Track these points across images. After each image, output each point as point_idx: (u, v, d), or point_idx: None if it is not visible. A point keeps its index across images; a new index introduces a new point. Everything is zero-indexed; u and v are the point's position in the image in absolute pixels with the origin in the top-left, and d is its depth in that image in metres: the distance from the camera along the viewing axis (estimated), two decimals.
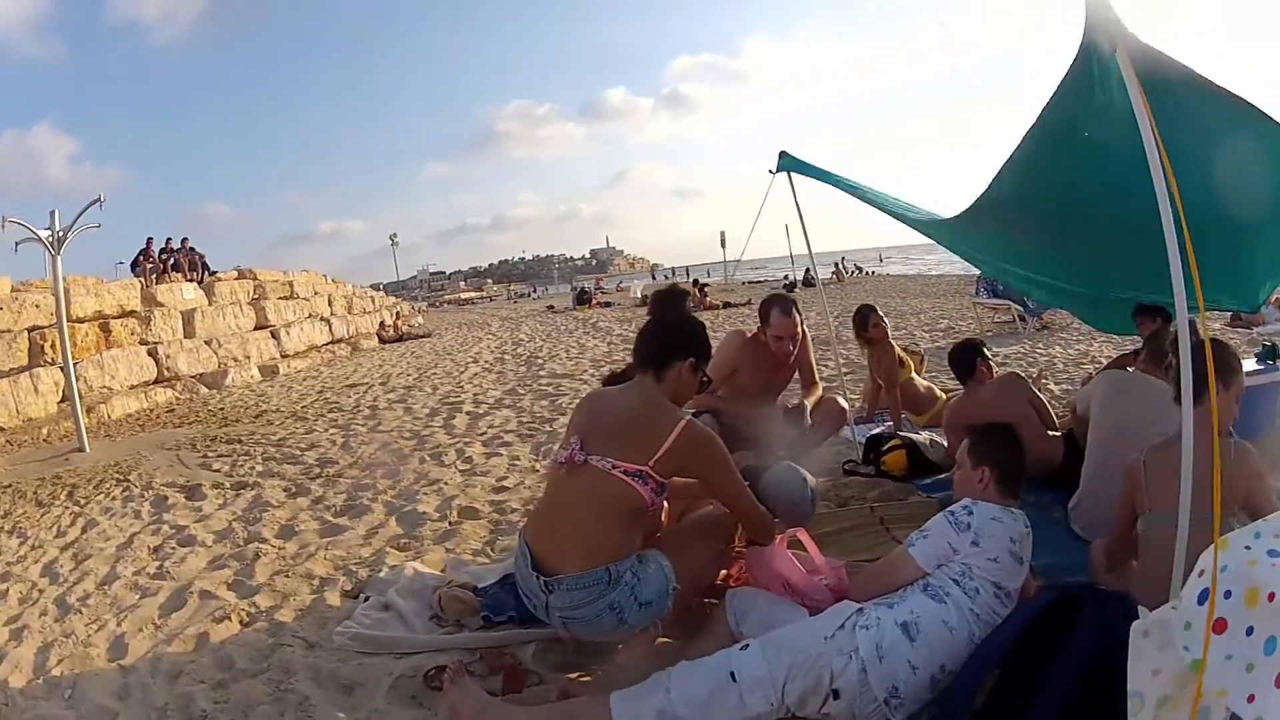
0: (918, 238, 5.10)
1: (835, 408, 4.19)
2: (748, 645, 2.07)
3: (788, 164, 4.54)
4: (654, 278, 52.52)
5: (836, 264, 32.12)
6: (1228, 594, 1.37)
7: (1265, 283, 4.14)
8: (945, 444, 4.29)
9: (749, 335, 4.00)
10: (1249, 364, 4.78)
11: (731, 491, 2.44)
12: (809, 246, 5.17)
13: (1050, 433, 3.88)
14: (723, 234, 25.15)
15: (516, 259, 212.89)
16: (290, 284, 16.43)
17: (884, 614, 2.07)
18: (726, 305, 19.74)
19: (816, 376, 4.17)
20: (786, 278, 27.23)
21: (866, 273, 35.18)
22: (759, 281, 33.54)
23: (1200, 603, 1.39)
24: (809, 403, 3.96)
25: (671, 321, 2.72)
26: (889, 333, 5.34)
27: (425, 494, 4.37)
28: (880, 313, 5.37)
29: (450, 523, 3.87)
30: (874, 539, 3.38)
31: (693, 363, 2.38)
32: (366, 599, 2.96)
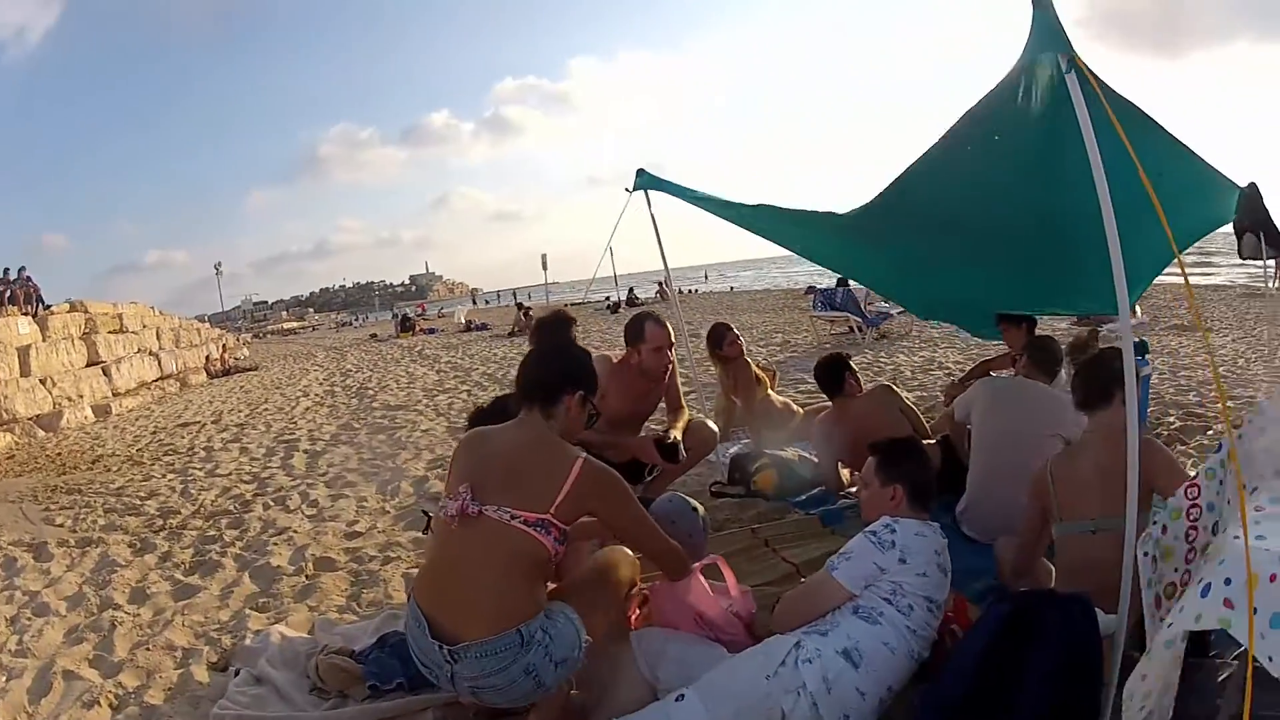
0: (776, 249, 5.35)
1: (706, 432, 4.06)
2: (683, 695, 2.03)
3: (645, 181, 4.57)
4: (474, 302, 52.73)
5: (660, 283, 32.95)
6: (1228, 581, 1.50)
7: (1136, 290, 4.55)
8: (814, 459, 4.39)
9: (614, 360, 3.87)
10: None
11: (639, 530, 2.34)
12: (665, 264, 5.24)
13: (925, 441, 3.88)
14: (544, 256, 25.42)
15: (338, 286, 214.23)
16: (120, 317, 15.45)
17: (822, 644, 2.06)
18: None
19: (683, 400, 4.08)
20: (608, 299, 28.07)
21: (691, 292, 35.75)
22: (580, 303, 34.63)
23: (1204, 595, 1.53)
24: (678, 427, 3.85)
25: (557, 352, 2.56)
26: (744, 349, 5.39)
27: (275, 544, 4.28)
28: (735, 330, 5.42)
29: (307, 576, 3.82)
30: (763, 562, 3.44)
31: (581, 396, 2.27)
32: (237, 673, 2.78)
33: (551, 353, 2.59)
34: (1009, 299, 4.54)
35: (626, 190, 4.67)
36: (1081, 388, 2.69)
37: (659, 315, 3.90)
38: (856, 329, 12.00)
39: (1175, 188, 3.33)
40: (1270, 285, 15.26)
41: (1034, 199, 3.27)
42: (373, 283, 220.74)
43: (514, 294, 45.94)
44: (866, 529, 2.27)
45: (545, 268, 25.44)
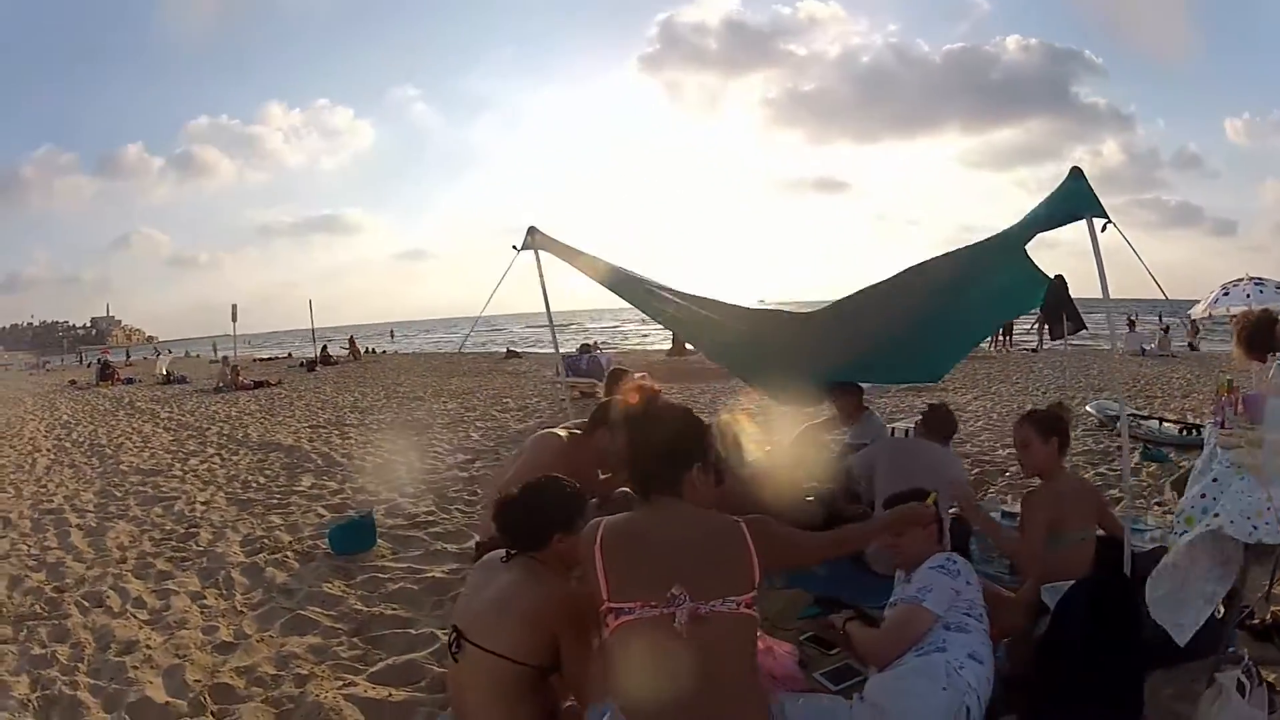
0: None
1: None
2: None
3: (539, 241, 4.42)
4: (158, 353, 46.97)
5: (351, 339, 31.53)
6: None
7: (949, 365, 6.09)
8: None
9: (564, 439, 3.61)
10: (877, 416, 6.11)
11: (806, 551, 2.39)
12: (550, 318, 5.03)
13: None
14: (234, 307, 23.14)
15: (25, 324, 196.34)
16: None
17: (955, 654, 2.35)
18: (259, 385, 18.39)
19: None
20: (302, 361, 26.85)
21: (378, 351, 34.74)
22: (272, 358, 32.53)
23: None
24: None
25: (665, 425, 2.20)
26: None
27: (136, 669, 3.18)
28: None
29: (214, 715, 2.86)
30: None
31: (699, 467, 2.07)
32: None
33: (662, 429, 2.21)
34: (845, 372, 5.21)
35: (514, 248, 4.46)
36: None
37: None
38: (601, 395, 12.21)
39: (1009, 284, 4.32)
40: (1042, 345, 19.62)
41: (908, 304, 4.18)
42: (57, 322, 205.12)
43: (214, 346, 41.87)
44: (932, 565, 2.58)
45: (235, 319, 22.75)
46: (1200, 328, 19.01)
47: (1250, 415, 3.20)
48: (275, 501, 6.17)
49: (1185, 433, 7.62)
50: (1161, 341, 19.48)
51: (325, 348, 28.78)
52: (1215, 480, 2.71)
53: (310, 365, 24.48)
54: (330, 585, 4.13)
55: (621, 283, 4.75)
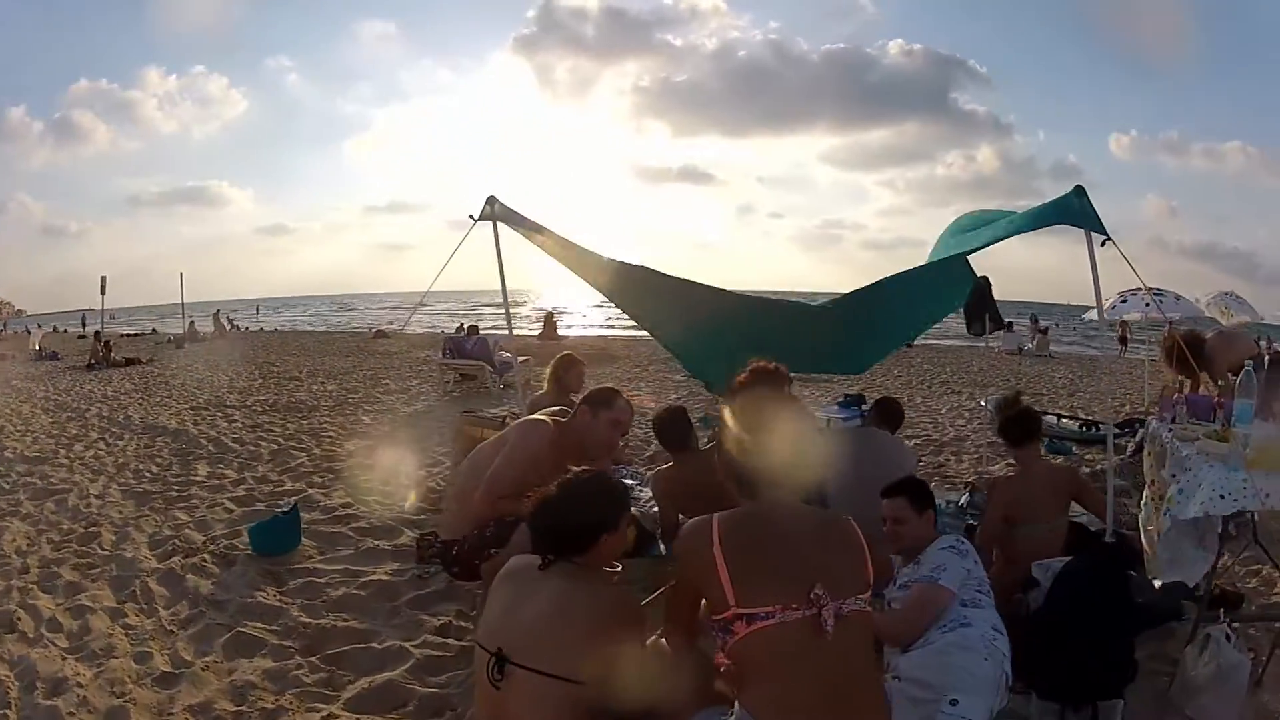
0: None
1: None
2: (956, 700, 2.23)
3: (498, 212, 4.08)
4: (27, 329, 40.75)
5: (217, 315, 29.07)
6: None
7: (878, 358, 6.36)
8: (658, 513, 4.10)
9: (553, 427, 3.28)
10: (833, 410, 6.16)
11: None
12: (505, 295, 4.56)
13: None
14: (103, 279, 20.81)
15: None
16: None
17: (983, 627, 2.43)
18: (130, 362, 16.90)
19: None
20: (169, 337, 25.17)
21: (241, 328, 32.43)
22: (139, 334, 30.52)
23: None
24: None
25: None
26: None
27: (70, 714, 2.57)
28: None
29: None
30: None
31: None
32: None
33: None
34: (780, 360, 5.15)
35: (471, 218, 4.11)
36: (1011, 431, 3.64)
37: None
38: (489, 376, 11.64)
39: (941, 283, 4.52)
40: (993, 347, 19.64)
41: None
42: None
43: (83, 319, 37.16)
44: (943, 547, 2.66)
45: (104, 291, 20.36)
46: (1127, 328, 20.55)
47: (1195, 415, 3.62)
48: (175, 494, 5.42)
49: (1085, 429, 8.08)
50: (1040, 342, 20.46)
51: (193, 323, 26.46)
52: (1187, 469, 3.06)
53: (179, 342, 22.69)
54: (263, 593, 3.59)
55: (584, 264, 4.45)
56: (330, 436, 7.56)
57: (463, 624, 3.39)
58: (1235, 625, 2.96)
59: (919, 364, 16.47)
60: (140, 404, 10.30)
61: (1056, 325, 20.64)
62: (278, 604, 3.47)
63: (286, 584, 3.72)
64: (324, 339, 24.24)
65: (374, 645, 3.14)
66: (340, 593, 3.64)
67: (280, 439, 7.41)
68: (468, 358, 11.87)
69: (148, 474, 6.07)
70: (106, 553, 4.13)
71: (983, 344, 19.01)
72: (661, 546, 3.91)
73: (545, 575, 2.00)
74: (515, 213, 4.23)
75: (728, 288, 4.77)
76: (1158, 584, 3.03)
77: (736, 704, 1.74)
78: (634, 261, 4.42)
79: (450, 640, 3.24)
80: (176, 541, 4.24)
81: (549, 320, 20.76)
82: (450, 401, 10.02)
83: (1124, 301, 10.55)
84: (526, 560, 2.11)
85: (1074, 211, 3.37)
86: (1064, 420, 8.45)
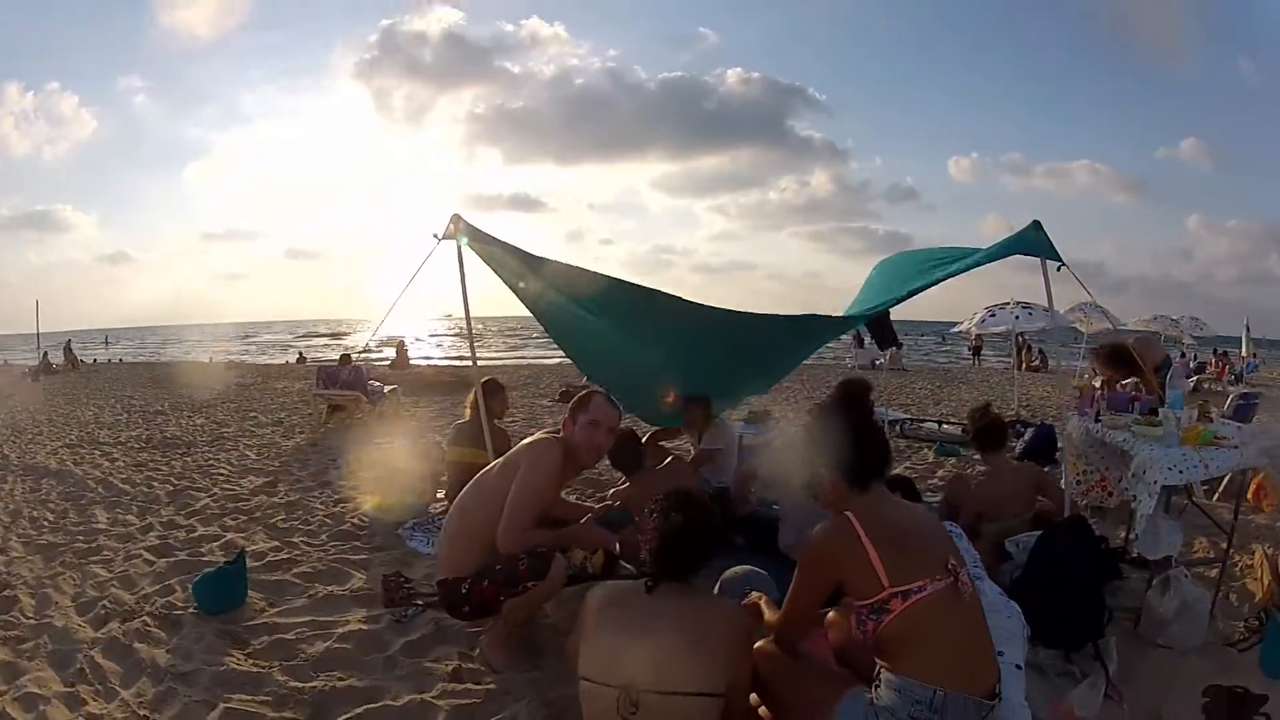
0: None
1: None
2: (1001, 652, 2.19)
3: (463, 230, 3.98)
4: None
5: (68, 346, 25.84)
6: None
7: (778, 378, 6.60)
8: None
9: (559, 443, 3.12)
10: (741, 427, 6.16)
11: None
12: (468, 317, 4.47)
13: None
14: None
15: None
16: None
17: (995, 593, 2.65)
18: None
19: None
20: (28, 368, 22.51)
21: (92, 360, 29.45)
22: None
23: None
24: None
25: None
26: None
27: None
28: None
29: None
30: None
31: None
32: None
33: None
34: (698, 386, 5.26)
35: (435, 236, 3.98)
36: (984, 438, 4.09)
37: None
38: (364, 407, 10.79)
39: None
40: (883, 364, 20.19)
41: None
42: None
43: None
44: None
45: None
46: (981, 341, 22.00)
47: (1114, 408, 4.22)
48: (82, 545, 4.60)
49: (967, 433, 8.66)
50: (893, 356, 21.04)
51: (47, 354, 23.59)
52: (1131, 452, 3.61)
53: (34, 375, 20.56)
54: (232, 658, 3.03)
55: (559, 283, 4.32)
56: (223, 475, 6.73)
57: (472, 665, 3.01)
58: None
59: (790, 381, 17.14)
60: (13, 442, 8.97)
61: (906, 337, 22.31)
62: (254, 669, 2.92)
63: (251, 644, 3.16)
64: (176, 371, 21.79)
65: (390, 703, 2.71)
66: (319, 648, 3.13)
67: (172, 479, 6.51)
68: (343, 387, 10.97)
69: (45, 522, 5.17)
70: (32, 621, 3.39)
71: (849, 361, 20.09)
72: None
73: (656, 598, 2.01)
74: (480, 231, 4.05)
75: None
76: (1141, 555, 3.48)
77: (885, 676, 1.93)
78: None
79: (472, 685, 2.86)
80: (107, 604, 3.53)
81: (400, 348, 19.87)
82: (329, 433, 9.22)
83: (992, 315, 11.54)
84: (621, 588, 2.14)
85: (1032, 243, 3.81)
86: (945, 426, 8.96)
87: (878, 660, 1.98)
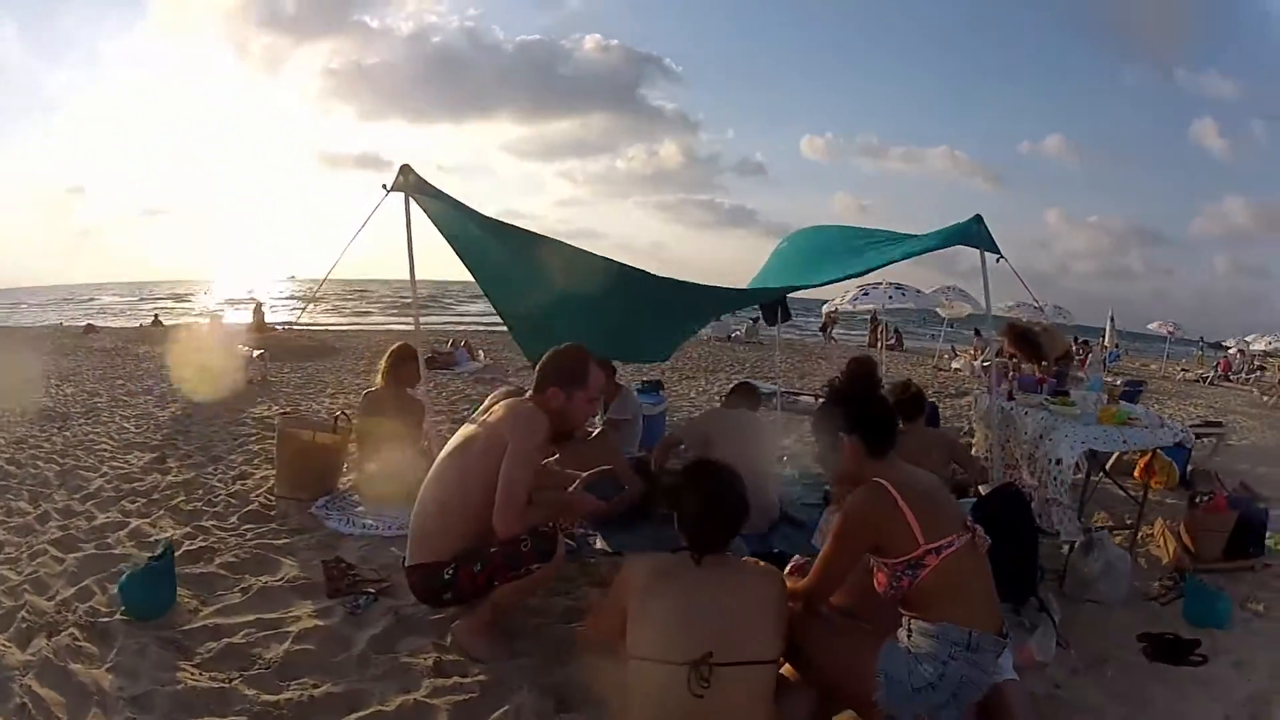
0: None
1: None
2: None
3: (411, 183, 3.81)
4: None
5: None
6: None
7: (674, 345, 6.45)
8: None
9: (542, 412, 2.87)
10: (645, 398, 6.10)
11: None
12: (413, 275, 4.19)
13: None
14: None
15: None
16: None
17: None
18: None
19: None
20: None
21: None
22: None
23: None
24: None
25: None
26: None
27: None
28: None
29: None
30: None
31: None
32: None
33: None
34: (607, 346, 4.92)
35: (384, 188, 3.78)
36: (908, 409, 4.18)
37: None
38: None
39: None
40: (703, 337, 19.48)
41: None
42: None
43: None
44: None
45: None
46: (836, 319, 22.22)
47: (1024, 389, 4.60)
48: None
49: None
50: (749, 329, 21.25)
51: None
52: (1052, 427, 4.04)
53: None
54: (186, 673, 2.66)
55: (505, 242, 4.24)
56: (107, 450, 6.00)
57: (452, 657, 2.80)
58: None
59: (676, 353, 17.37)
60: None
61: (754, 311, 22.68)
62: (213, 684, 2.56)
63: (198, 654, 2.79)
64: (33, 336, 19.22)
65: (381, 708, 2.47)
66: (276, 652, 2.82)
67: (57, 457, 5.70)
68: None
69: None
70: None
71: (708, 331, 20.26)
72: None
73: (707, 569, 2.01)
74: (429, 184, 3.84)
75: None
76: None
77: (918, 625, 2.10)
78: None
79: (460, 679, 2.66)
80: (26, 615, 3.01)
81: (258, 311, 18.53)
82: (203, 402, 8.38)
83: (865, 294, 12.02)
84: (662, 562, 2.09)
85: (973, 236, 3.89)
86: (821, 399, 9.32)
87: (905, 613, 2.15)
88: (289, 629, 2.97)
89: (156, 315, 26.43)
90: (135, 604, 2.95)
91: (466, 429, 2.92)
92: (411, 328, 5.10)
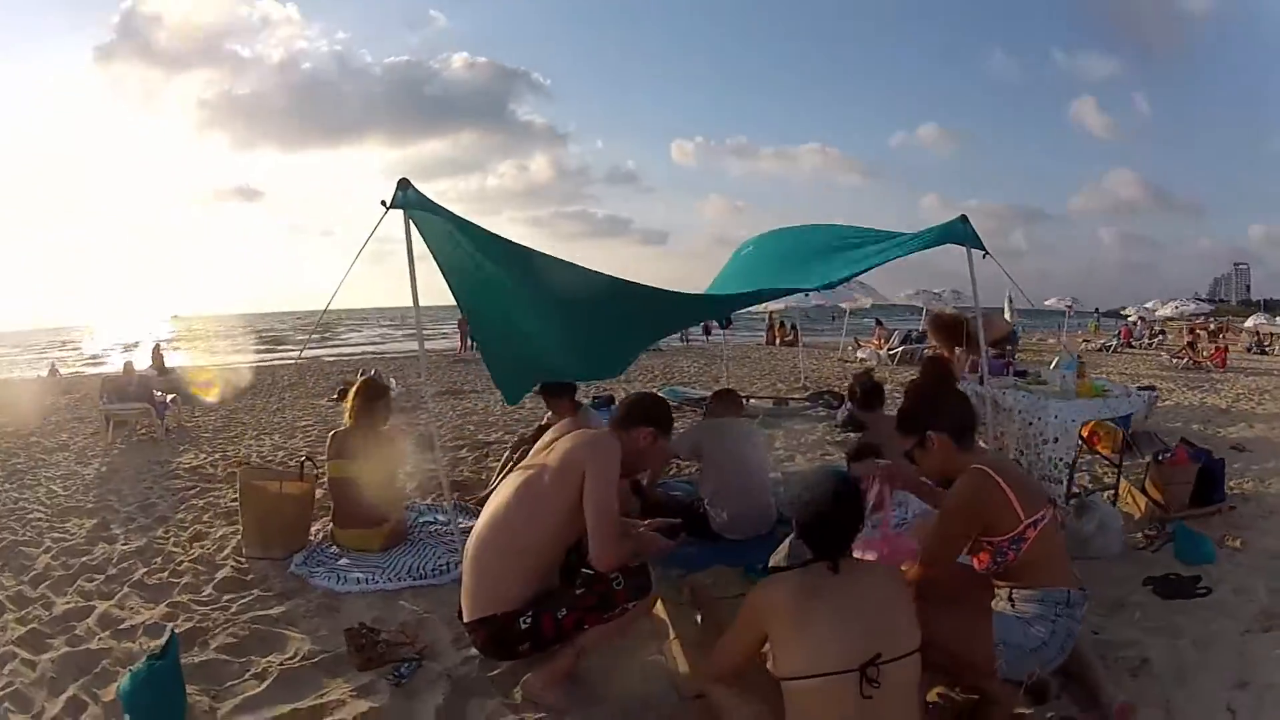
0: None
1: None
2: None
3: (412, 199, 3.48)
4: None
5: None
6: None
7: (627, 361, 5.84)
8: None
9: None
10: (602, 414, 5.89)
11: None
12: (415, 297, 3.85)
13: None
14: None
15: None
16: None
17: None
18: None
19: None
20: None
21: None
22: None
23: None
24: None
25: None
26: None
27: None
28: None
29: None
30: None
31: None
32: None
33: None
34: (565, 371, 4.81)
35: (383, 204, 3.48)
36: (870, 399, 4.56)
37: None
38: (154, 421, 8.95)
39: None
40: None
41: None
42: None
43: None
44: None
45: None
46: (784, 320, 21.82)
47: (993, 373, 4.83)
48: None
49: (778, 404, 9.05)
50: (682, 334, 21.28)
51: None
52: (1040, 404, 4.39)
53: None
54: None
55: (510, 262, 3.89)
56: (42, 520, 5.21)
57: (533, 715, 2.49)
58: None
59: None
60: None
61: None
62: None
63: None
64: None
65: None
66: None
67: None
68: (129, 400, 8.98)
69: None
70: None
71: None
72: None
73: (844, 575, 1.97)
74: (430, 200, 3.57)
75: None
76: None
77: (1021, 593, 2.36)
78: None
79: None
80: None
81: (157, 351, 16.97)
82: (121, 455, 7.57)
83: (805, 295, 12.14)
84: (803, 578, 2.00)
85: (959, 234, 3.92)
86: (752, 401, 9.17)
87: (1004, 584, 2.40)
88: (338, 716, 2.57)
89: (54, 364, 23.85)
90: (144, 716, 2.45)
91: (522, 471, 2.66)
92: (302, 359, 4.64)
